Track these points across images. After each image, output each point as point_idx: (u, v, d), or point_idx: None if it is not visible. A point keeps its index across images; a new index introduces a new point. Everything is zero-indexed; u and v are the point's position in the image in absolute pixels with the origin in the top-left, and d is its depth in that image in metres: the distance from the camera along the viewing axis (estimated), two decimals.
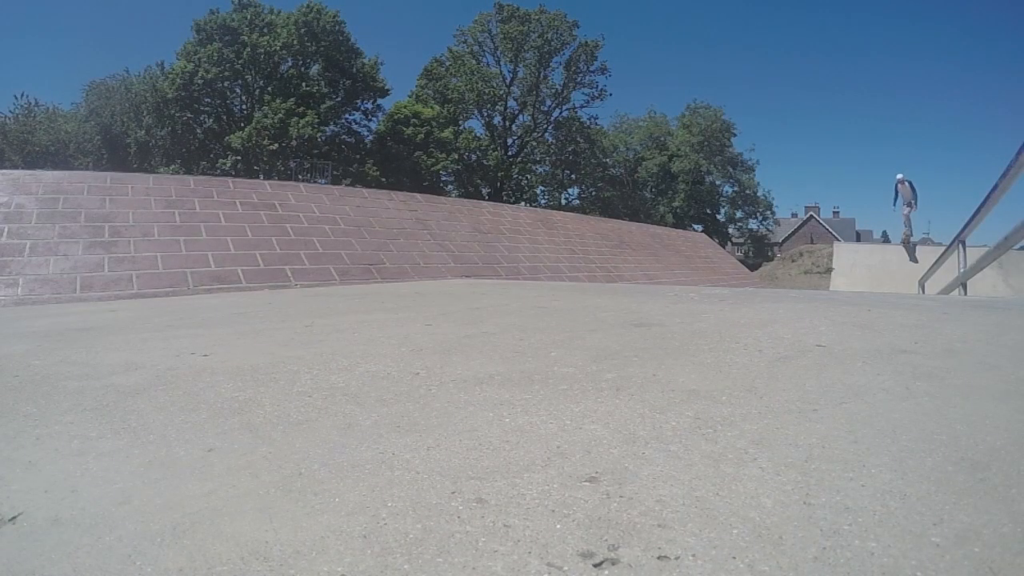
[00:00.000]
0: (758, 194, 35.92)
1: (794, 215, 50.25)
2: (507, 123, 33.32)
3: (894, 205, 11.45)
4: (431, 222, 5.96)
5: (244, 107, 28.12)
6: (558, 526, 0.68)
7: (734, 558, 0.61)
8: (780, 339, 1.70)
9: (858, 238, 45.68)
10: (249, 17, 26.78)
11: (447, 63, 32.52)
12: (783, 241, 44.41)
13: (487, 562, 0.61)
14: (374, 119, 30.71)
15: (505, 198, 31.06)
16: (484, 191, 31.71)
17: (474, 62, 32.09)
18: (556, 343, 1.73)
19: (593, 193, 34.82)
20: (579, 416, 1.06)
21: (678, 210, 33.65)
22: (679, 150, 33.86)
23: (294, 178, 23.66)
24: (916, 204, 11.10)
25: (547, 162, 34.32)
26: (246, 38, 26.30)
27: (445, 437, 0.98)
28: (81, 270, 3.57)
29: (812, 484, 0.77)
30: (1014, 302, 2.80)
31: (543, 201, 34.78)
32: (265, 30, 26.80)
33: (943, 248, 7.57)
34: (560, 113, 33.36)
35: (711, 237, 16.45)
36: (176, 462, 0.90)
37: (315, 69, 28.43)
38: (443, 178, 31.41)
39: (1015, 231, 3.55)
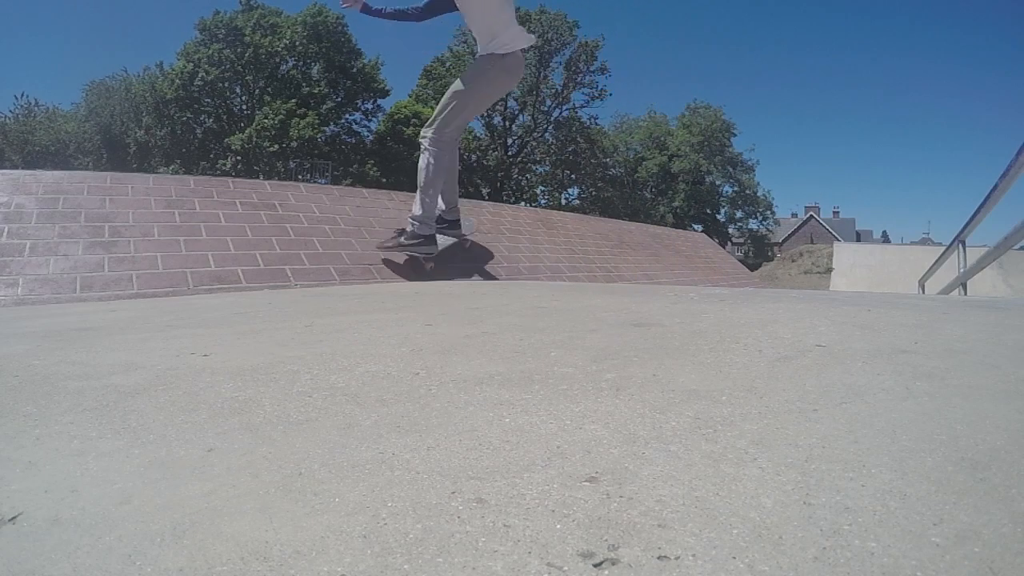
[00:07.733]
0: (758, 194, 35.93)
1: (794, 215, 50.20)
2: (507, 123, 33.31)
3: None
4: None
5: (244, 108, 28.11)
6: (558, 526, 0.68)
7: (734, 558, 0.61)
8: (780, 339, 1.70)
9: (858, 238, 45.69)
10: (255, 18, 26.79)
11: (447, 63, 32.51)
12: (783, 241, 44.38)
13: (487, 562, 0.61)
14: (374, 119, 30.75)
15: (505, 198, 31.04)
16: (484, 191, 31.68)
17: None
18: (556, 343, 1.72)
19: (593, 193, 34.79)
20: (579, 416, 1.06)
21: (678, 210, 33.67)
22: (679, 150, 33.86)
23: (294, 178, 23.65)
24: None
25: (547, 162, 34.32)
26: (249, 38, 26.31)
27: (445, 437, 0.98)
28: (81, 270, 3.57)
29: (812, 484, 0.77)
30: (1014, 302, 2.80)
31: (543, 201, 34.78)
32: (269, 31, 26.82)
33: (943, 248, 7.56)
34: (560, 113, 33.38)
35: (711, 237, 16.42)
36: (176, 462, 0.90)
37: (316, 69, 28.45)
38: None
39: (1015, 231, 3.55)
